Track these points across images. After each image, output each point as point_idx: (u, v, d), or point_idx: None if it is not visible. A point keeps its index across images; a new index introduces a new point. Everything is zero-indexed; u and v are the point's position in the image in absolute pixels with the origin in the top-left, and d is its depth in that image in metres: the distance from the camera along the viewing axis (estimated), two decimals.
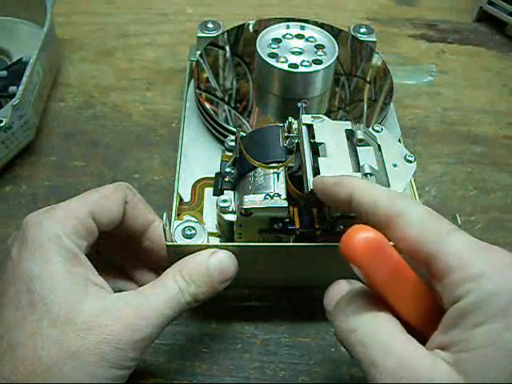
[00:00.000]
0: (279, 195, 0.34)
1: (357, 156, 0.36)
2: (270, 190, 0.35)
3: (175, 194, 0.39)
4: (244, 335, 0.37)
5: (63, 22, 0.59)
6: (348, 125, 0.37)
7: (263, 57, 0.44)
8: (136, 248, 0.35)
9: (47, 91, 0.53)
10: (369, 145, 0.36)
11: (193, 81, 0.48)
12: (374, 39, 0.53)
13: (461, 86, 0.58)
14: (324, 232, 0.35)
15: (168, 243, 0.32)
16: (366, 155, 0.36)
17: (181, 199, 0.39)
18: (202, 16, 0.64)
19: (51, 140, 0.49)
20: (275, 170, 0.36)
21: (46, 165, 0.47)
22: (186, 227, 0.34)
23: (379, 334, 0.24)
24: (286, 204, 0.34)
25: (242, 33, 0.52)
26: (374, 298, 0.26)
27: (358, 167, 0.35)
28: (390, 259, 0.25)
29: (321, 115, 0.38)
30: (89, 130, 0.51)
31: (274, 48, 0.46)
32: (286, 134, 0.38)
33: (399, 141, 0.44)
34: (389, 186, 0.35)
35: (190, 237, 0.34)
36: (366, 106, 0.46)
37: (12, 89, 0.47)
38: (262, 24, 0.51)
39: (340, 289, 0.29)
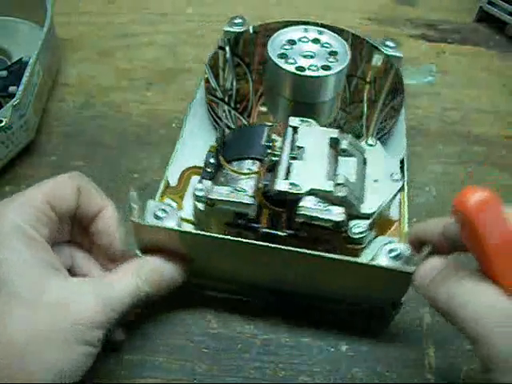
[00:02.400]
0: (246, 191, 0.35)
1: (336, 165, 0.36)
2: (239, 186, 0.35)
3: (164, 177, 0.40)
4: (244, 335, 0.37)
5: (63, 22, 0.59)
6: (334, 133, 0.37)
7: (273, 57, 0.44)
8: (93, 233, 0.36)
9: (47, 91, 0.53)
10: (352, 155, 0.36)
11: (203, 82, 0.48)
12: (400, 55, 0.50)
13: (461, 85, 0.58)
14: (290, 236, 0.35)
15: (133, 220, 0.33)
16: (346, 166, 0.36)
17: (168, 184, 0.40)
18: (201, 16, 0.65)
19: (51, 140, 0.49)
20: (245, 172, 0.36)
21: (46, 165, 0.47)
22: (159, 209, 0.34)
23: (481, 295, 0.26)
24: (250, 201, 0.34)
25: (242, 34, 0.52)
26: (472, 271, 0.27)
27: (333, 176, 0.35)
28: (503, 224, 0.25)
29: (310, 120, 0.38)
30: (89, 130, 0.51)
31: (286, 49, 0.45)
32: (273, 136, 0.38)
33: (407, 141, 0.45)
34: (362, 200, 0.35)
35: (159, 218, 0.34)
36: (366, 107, 0.46)
37: (12, 89, 0.47)
38: (265, 26, 0.51)
39: (434, 264, 0.30)
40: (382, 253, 0.33)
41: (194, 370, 0.36)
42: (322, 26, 0.49)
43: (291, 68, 0.43)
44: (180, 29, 0.63)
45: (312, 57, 0.45)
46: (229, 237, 0.33)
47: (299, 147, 0.37)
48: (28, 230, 0.30)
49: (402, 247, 0.33)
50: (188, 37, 0.61)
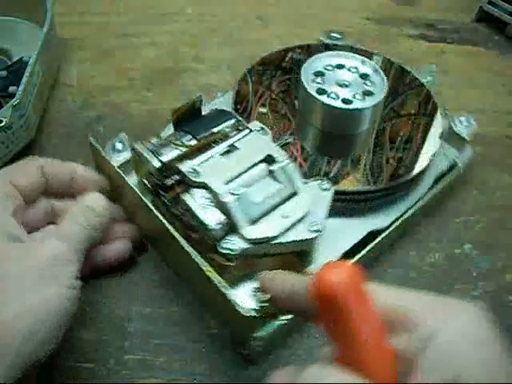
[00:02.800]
0: (161, 156, 0.36)
1: (255, 179, 0.35)
2: (163, 151, 0.37)
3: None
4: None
5: (63, 22, 0.59)
6: (276, 152, 0.36)
7: (305, 83, 0.42)
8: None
9: (47, 91, 0.53)
10: (279, 182, 0.35)
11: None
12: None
13: (461, 85, 0.58)
14: (175, 216, 0.36)
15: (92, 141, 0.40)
16: (263, 185, 0.35)
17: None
18: (201, 16, 0.65)
19: (51, 140, 0.49)
20: (176, 142, 0.38)
21: None
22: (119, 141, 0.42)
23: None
24: (156, 164, 0.36)
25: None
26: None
27: (233, 183, 0.34)
28: (370, 310, 0.23)
29: (267, 130, 0.38)
30: (89, 129, 0.51)
31: (319, 75, 0.44)
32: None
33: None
34: (254, 223, 0.34)
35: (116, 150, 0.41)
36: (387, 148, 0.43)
37: (12, 89, 0.47)
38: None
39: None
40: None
41: (194, 369, 0.36)
42: (364, 52, 0.47)
43: (323, 98, 0.42)
44: (180, 29, 0.63)
45: (347, 86, 0.43)
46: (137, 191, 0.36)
47: (235, 147, 0.37)
48: None
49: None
50: (188, 37, 0.61)
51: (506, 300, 0.40)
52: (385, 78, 0.43)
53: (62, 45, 0.58)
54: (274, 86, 0.47)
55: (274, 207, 0.35)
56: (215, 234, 0.33)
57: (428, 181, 0.43)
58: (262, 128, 0.38)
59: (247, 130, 0.38)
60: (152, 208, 0.36)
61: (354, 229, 0.39)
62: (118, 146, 0.41)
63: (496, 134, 0.52)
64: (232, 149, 0.37)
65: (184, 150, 0.37)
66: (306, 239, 0.34)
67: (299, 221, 0.34)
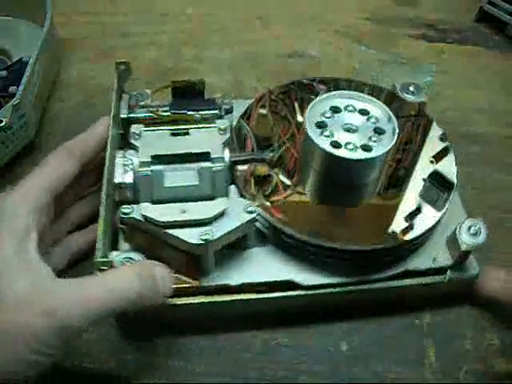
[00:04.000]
0: (132, 111, 0.40)
1: (179, 165, 0.36)
2: (136, 110, 0.40)
3: None
4: (244, 335, 0.37)
5: (63, 22, 0.59)
6: (218, 153, 0.36)
7: (308, 124, 0.38)
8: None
9: (47, 91, 0.53)
10: (200, 179, 0.35)
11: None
12: (423, 99, 0.45)
13: (461, 85, 0.58)
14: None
15: None
16: (182, 173, 0.36)
17: None
18: (201, 16, 0.65)
19: (51, 140, 0.49)
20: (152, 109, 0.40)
21: None
22: None
23: None
24: (123, 113, 0.39)
25: None
26: None
27: (159, 159, 0.35)
28: None
29: (228, 131, 0.38)
30: None
31: (326, 118, 0.40)
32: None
33: None
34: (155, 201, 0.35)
35: None
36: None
37: (12, 89, 0.47)
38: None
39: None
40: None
41: (195, 370, 0.36)
42: (385, 95, 0.43)
43: (325, 144, 0.37)
44: (180, 29, 0.63)
45: (355, 131, 0.39)
46: None
47: (187, 133, 0.38)
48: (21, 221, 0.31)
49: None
50: (188, 37, 0.61)
51: None
52: (396, 128, 0.39)
53: (62, 45, 0.58)
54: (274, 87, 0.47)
55: (182, 199, 0.35)
56: (118, 193, 0.35)
57: None
58: (225, 130, 0.38)
59: (213, 125, 0.38)
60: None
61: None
62: None
63: (495, 134, 0.52)
64: (183, 133, 0.38)
65: (153, 116, 0.39)
66: (191, 243, 0.33)
67: (197, 224, 0.34)
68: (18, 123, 0.45)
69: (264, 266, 0.37)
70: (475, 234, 0.36)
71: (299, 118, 0.43)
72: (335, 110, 0.40)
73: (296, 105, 0.45)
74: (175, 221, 0.34)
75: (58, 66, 0.56)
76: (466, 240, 0.36)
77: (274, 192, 0.38)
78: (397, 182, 0.40)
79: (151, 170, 0.35)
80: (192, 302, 0.35)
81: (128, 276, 0.31)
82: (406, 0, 0.70)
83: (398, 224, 0.37)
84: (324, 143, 0.37)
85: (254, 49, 0.60)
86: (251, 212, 0.35)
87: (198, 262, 0.35)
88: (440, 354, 0.37)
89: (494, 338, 0.38)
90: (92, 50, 0.59)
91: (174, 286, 0.33)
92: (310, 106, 0.40)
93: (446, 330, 0.38)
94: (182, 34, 0.62)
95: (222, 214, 0.35)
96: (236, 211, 0.35)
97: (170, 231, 0.34)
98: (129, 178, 0.35)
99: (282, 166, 0.40)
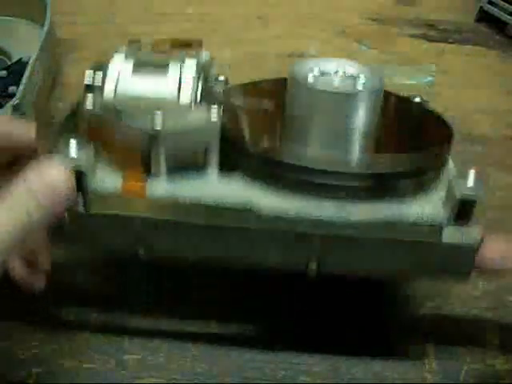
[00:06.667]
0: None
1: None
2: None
3: None
4: (244, 335, 0.37)
5: (63, 22, 0.59)
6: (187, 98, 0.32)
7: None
8: None
9: (47, 91, 0.53)
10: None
11: None
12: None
13: (461, 85, 0.58)
14: None
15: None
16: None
17: None
18: (202, 16, 0.65)
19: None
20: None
21: None
22: None
23: None
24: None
25: None
26: None
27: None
28: None
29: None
30: None
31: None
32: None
33: None
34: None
35: None
36: None
37: (12, 89, 0.47)
38: None
39: None
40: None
41: (194, 369, 0.36)
42: None
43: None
44: (180, 29, 0.63)
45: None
46: None
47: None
48: None
49: None
50: (188, 37, 0.61)
51: (506, 300, 0.40)
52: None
53: (62, 45, 0.58)
54: None
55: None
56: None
57: None
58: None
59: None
60: None
61: None
62: None
63: (496, 134, 0.52)
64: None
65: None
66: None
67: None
68: None
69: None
70: (473, 185, 0.32)
71: None
72: (321, 73, 0.37)
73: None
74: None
75: (57, 66, 0.56)
76: (462, 188, 0.32)
77: None
78: None
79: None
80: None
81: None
82: (407, 0, 0.70)
83: None
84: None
85: (253, 49, 0.60)
86: (214, 119, 0.32)
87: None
88: (440, 355, 0.37)
89: (494, 337, 0.38)
90: (92, 50, 0.59)
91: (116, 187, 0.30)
92: (293, 67, 0.37)
93: (446, 330, 0.38)
94: (182, 34, 0.62)
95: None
96: (201, 115, 0.32)
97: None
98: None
99: None
